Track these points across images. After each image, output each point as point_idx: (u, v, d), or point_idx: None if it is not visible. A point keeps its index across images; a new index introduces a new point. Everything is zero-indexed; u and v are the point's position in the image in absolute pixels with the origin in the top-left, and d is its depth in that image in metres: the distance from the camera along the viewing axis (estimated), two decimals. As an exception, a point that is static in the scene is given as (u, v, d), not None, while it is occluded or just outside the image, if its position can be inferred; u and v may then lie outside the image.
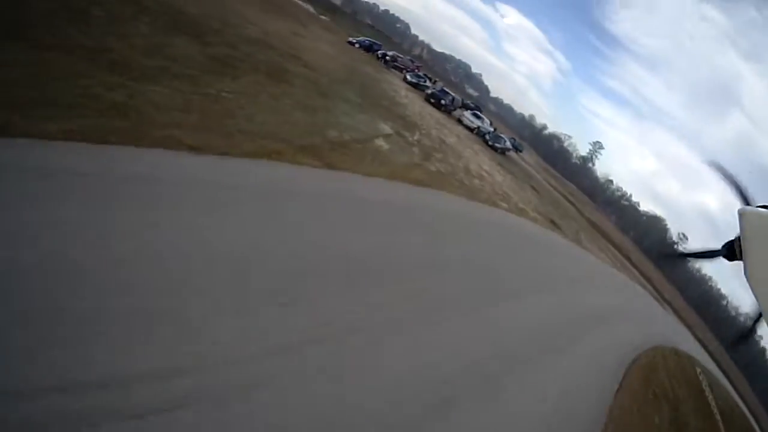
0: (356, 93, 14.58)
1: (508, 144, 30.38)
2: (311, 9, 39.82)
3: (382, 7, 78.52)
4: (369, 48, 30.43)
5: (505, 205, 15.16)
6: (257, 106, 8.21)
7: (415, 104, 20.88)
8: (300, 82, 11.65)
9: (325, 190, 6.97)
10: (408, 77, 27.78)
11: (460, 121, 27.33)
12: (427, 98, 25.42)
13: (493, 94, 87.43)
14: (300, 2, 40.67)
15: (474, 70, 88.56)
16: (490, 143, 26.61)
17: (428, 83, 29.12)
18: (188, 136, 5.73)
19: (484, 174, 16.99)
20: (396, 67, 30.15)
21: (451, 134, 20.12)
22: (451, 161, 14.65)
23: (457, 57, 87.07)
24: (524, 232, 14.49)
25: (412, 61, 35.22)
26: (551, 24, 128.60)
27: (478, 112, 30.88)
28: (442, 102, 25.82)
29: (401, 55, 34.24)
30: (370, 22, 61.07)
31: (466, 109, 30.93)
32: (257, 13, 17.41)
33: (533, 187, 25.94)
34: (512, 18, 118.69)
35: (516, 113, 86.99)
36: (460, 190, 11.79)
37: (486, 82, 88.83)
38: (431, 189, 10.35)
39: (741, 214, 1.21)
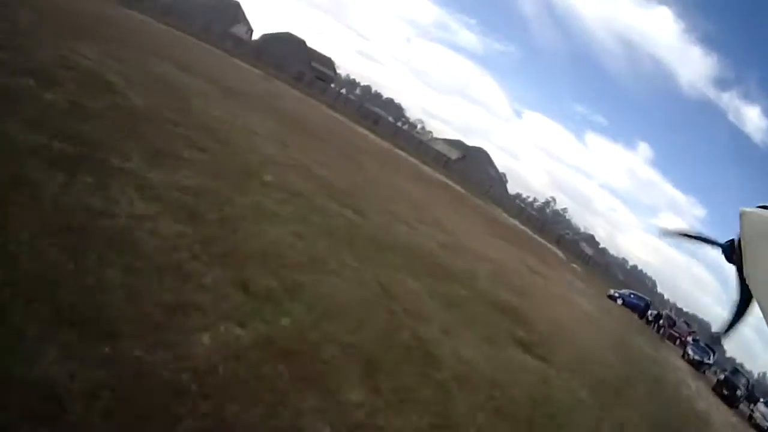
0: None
1: None
2: (560, 253, 34.64)
3: (630, 263, 79.59)
4: (641, 308, 25.75)
5: None
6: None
7: (718, 415, 12.33)
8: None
9: None
10: (690, 352, 21.45)
11: (750, 419, 17.29)
12: (719, 386, 18.23)
13: (728, 354, 68.43)
14: (548, 244, 35.25)
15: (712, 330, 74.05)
16: None
17: (711, 359, 22.74)
18: None
19: None
20: (670, 336, 24.48)
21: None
22: None
23: (699, 316, 76.91)
24: None
25: (687, 324, 29.01)
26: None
27: None
28: (738, 393, 18.65)
29: (674, 316, 28.72)
30: (621, 278, 57.71)
31: (752, 399, 20.77)
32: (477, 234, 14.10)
33: None
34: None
35: (747, 371, 65.89)
36: None
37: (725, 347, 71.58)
38: None
39: (741, 214, 1.12)
